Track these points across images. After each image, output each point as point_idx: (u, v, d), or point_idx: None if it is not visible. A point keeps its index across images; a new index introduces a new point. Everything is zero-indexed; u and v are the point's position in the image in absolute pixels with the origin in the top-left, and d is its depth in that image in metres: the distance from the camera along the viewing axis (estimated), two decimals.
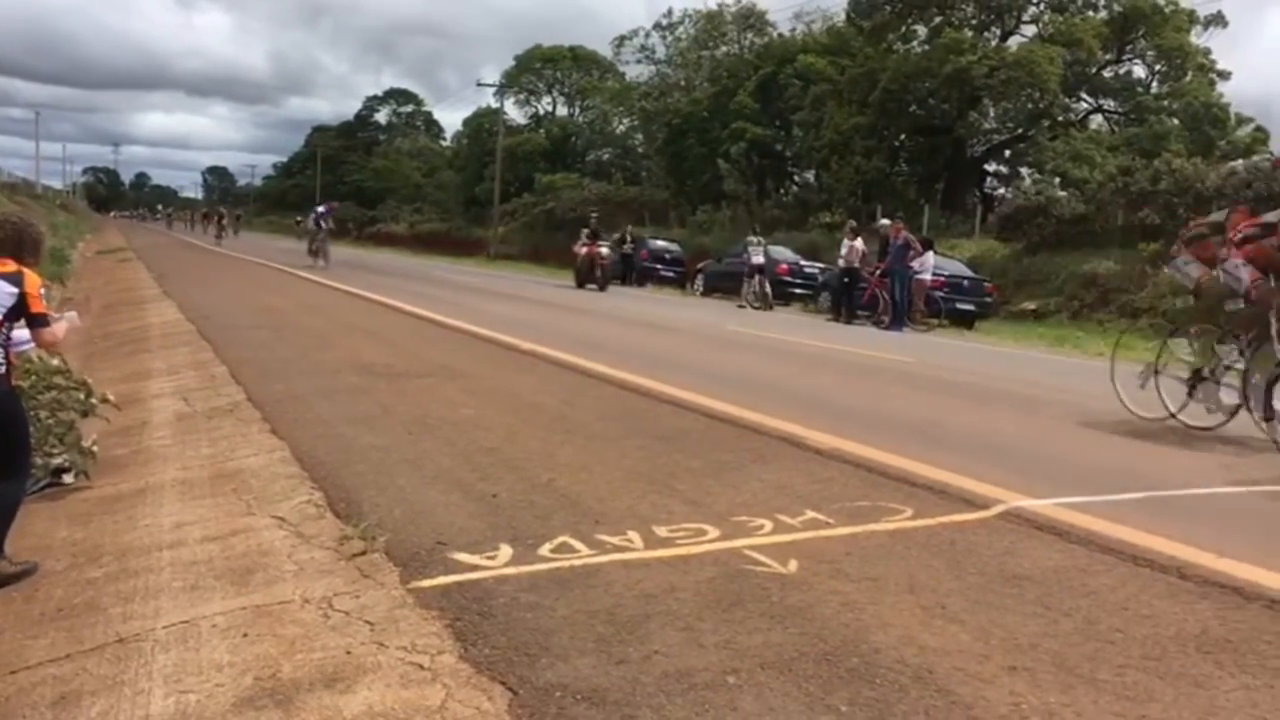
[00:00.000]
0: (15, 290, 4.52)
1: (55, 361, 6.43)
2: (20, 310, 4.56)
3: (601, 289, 26.12)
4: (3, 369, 4.54)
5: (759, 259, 23.47)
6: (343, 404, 7.50)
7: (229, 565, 4.34)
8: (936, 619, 3.58)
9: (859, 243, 20.81)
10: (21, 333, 4.80)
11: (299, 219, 70.07)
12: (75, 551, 4.83)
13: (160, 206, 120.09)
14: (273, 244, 47.35)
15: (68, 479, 5.92)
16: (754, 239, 24.36)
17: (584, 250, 27.50)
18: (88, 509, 5.52)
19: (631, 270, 30.67)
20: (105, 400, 6.55)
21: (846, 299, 20.65)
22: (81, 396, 6.37)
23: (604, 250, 27.38)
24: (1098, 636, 3.47)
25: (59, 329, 4.89)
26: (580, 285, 27.03)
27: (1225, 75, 35.13)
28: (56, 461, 5.93)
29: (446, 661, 3.22)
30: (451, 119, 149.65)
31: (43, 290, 4.70)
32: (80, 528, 5.20)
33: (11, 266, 4.57)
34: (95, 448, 6.16)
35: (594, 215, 32.36)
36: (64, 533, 5.14)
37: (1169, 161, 24.22)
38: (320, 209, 30.74)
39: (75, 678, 3.43)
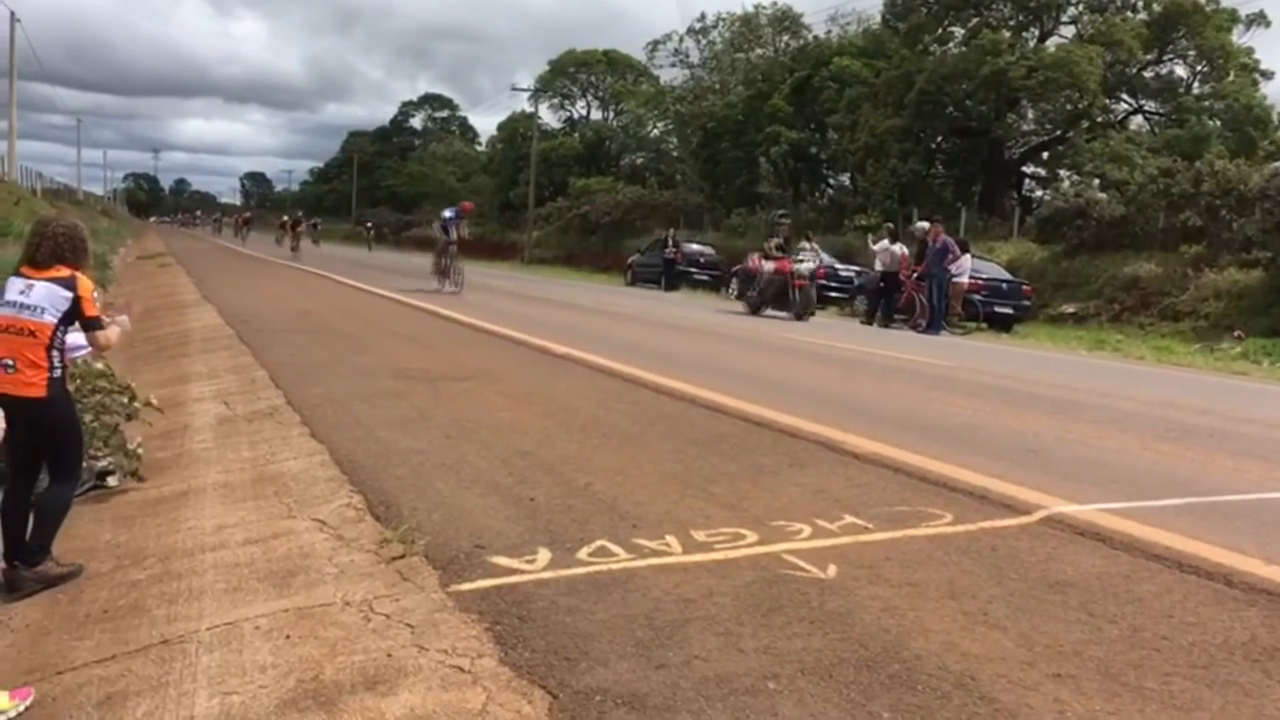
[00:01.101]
0: (70, 295, 4.60)
1: (99, 365, 6.53)
2: (75, 314, 4.63)
3: (799, 318, 19.43)
4: (58, 373, 4.62)
5: (808, 263, 23.27)
6: (381, 407, 7.54)
7: (271, 568, 4.38)
8: (978, 625, 3.55)
9: (899, 247, 20.67)
10: (74, 338, 4.87)
11: (369, 225, 64.64)
12: (119, 554, 4.90)
13: (199, 212, 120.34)
14: (316, 250, 47.45)
15: (112, 481, 6.00)
16: (806, 245, 24.18)
17: (770, 266, 20.44)
18: (131, 511, 5.59)
19: (672, 274, 30.67)
20: (148, 404, 6.63)
21: (885, 303, 20.48)
22: (125, 400, 6.45)
23: (806, 266, 20.32)
24: (1143, 644, 3.43)
25: (112, 333, 4.96)
26: (754, 311, 20.45)
27: (1268, 75, 34.67)
28: (101, 464, 6.01)
29: (487, 665, 3.23)
30: (486, 123, 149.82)
31: (96, 294, 4.78)
32: (124, 530, 5.27)
33: (66, 272, 4.65)
34: (140, 450, 6.24)
35: (784, 219, 23.81)
36: (108, 535, 5.21)
37: (1211, 163, 23.91)
38: (449, 213, 22.75)
39: (121, 679, 3.47)
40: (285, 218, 53.46)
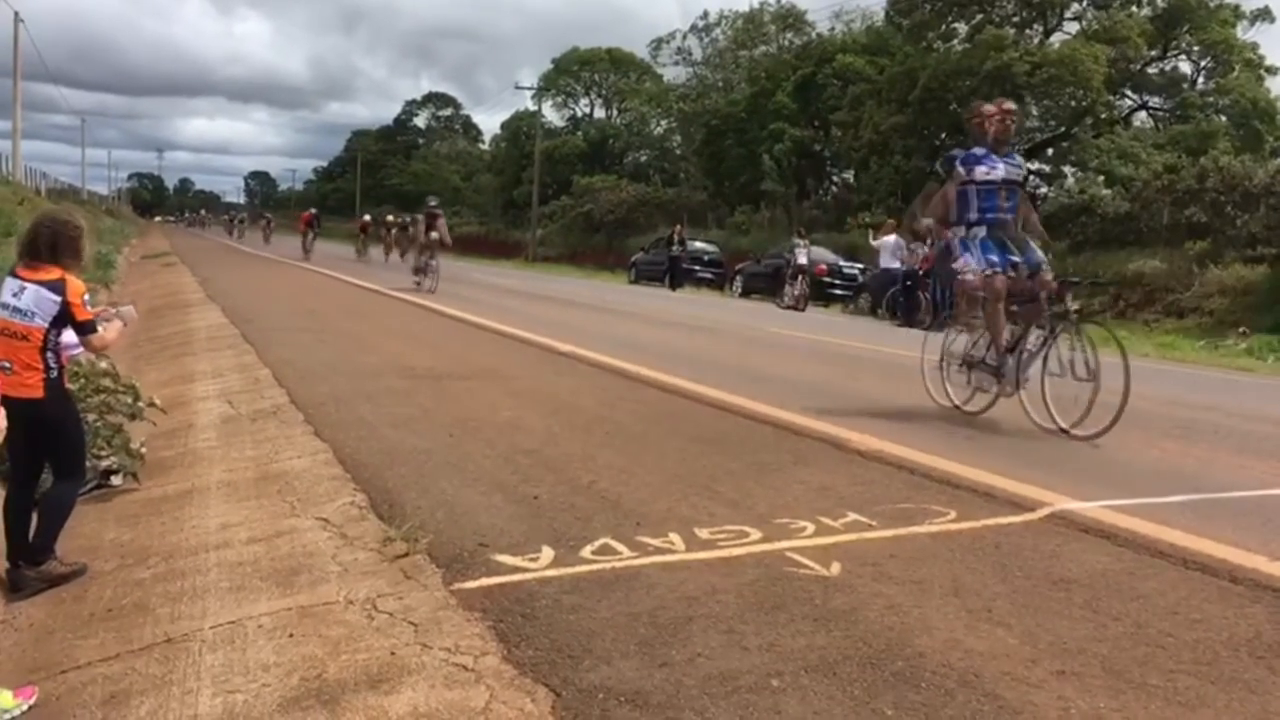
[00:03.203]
0: (58, 299, 4.56)
1: (103, 365, 6.53)
2: (65, 318, 4.61)
3: None
4: (55, 373, 4.61)
5: (803, 259, 23.36)
6: (384, 406, 7.54)
7: (274, 566, 4.38)
8: (982, 622, 3.54)
9: (919, 246, 20.49)
10: (71, 336, 4.86)
11: (404, 221, 36.52)
12: (123, 552, 4.90)
13: (204, 210, 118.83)
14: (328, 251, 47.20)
15: (116, 480, 5.99)
16: (799, 240, 24.25)
17: None
18: (135, 510, 5.59)
19: (678, 272, 30.66)
20: (152, 404, 6.63)
21: (905, 301, 19.87)
22: (129, 400, 6.45)
23: None
24: (1148, 641, 3.42)
25: (109, 334, 4.94)
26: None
27: (1273, 71, 34.62)
28: (105, 464, 6.01)
29: (490, 663, 3.23)
30: (490, 122, 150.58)
31: (86, 296, 4.72)
32: (128, 529, 5.27)
33: (55, 274, 4.60)
34: (144, 449, 6.24)
35: None
36: (112, 534, 5.21)
37: (1216, 159, 23.88)
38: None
39: (124, 677, 3.47)
40: (367, 217, 34.67)
